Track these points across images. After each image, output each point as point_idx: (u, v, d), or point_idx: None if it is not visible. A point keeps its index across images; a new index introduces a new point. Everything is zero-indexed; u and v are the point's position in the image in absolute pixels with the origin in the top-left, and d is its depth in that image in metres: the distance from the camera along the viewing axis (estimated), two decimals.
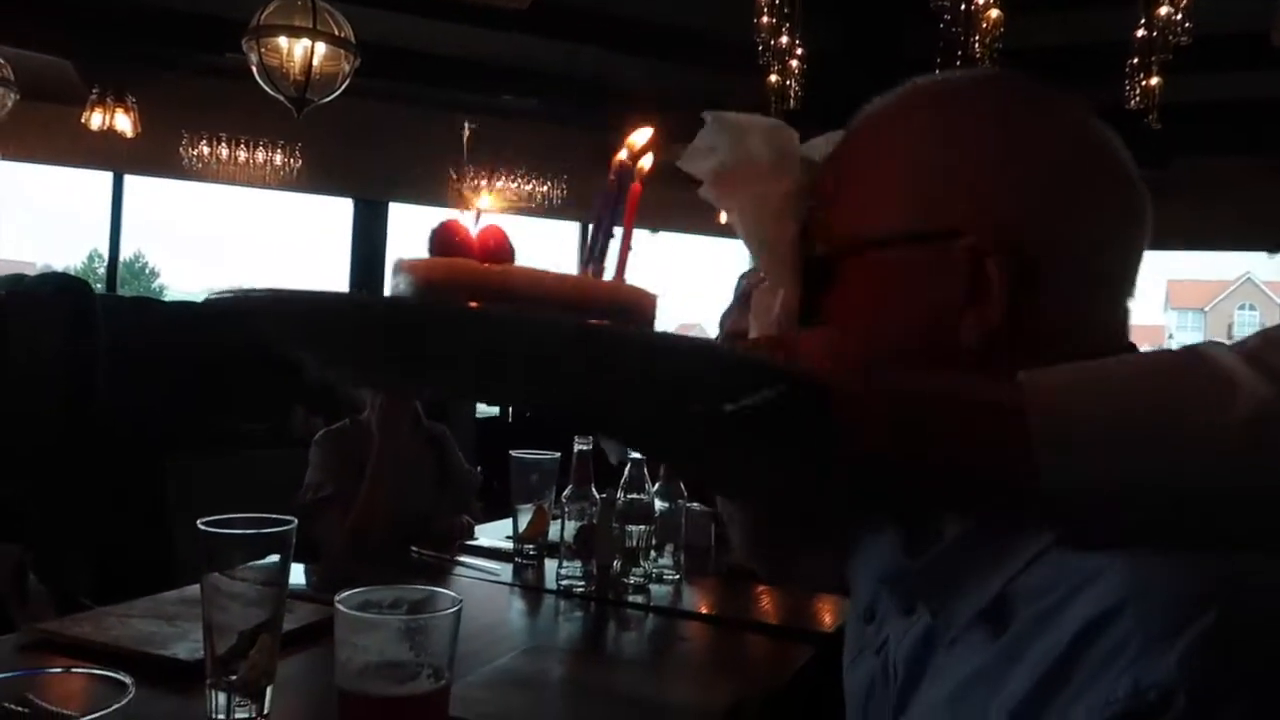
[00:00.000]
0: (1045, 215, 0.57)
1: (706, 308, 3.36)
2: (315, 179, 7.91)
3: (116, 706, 0.47)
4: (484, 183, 8.58)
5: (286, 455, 2.23)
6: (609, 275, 0.51)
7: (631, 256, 0.54)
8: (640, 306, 0.50)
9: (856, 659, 0.69)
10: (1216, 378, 0.43)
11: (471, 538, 1.88)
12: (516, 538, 1.70)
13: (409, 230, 9.27)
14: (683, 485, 1.64)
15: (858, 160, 0.63)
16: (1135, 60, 4.40)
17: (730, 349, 0.50)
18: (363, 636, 0.72)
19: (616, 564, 1.55)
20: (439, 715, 0.73)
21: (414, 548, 1.76)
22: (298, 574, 1.51)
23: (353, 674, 0.71)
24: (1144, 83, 4.66)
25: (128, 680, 0.49)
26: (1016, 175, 0.58)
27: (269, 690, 0.91)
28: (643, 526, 1.55)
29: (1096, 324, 0.59)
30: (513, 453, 1.71)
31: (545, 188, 8.84)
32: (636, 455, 1.57)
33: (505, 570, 1.65)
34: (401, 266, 0.48)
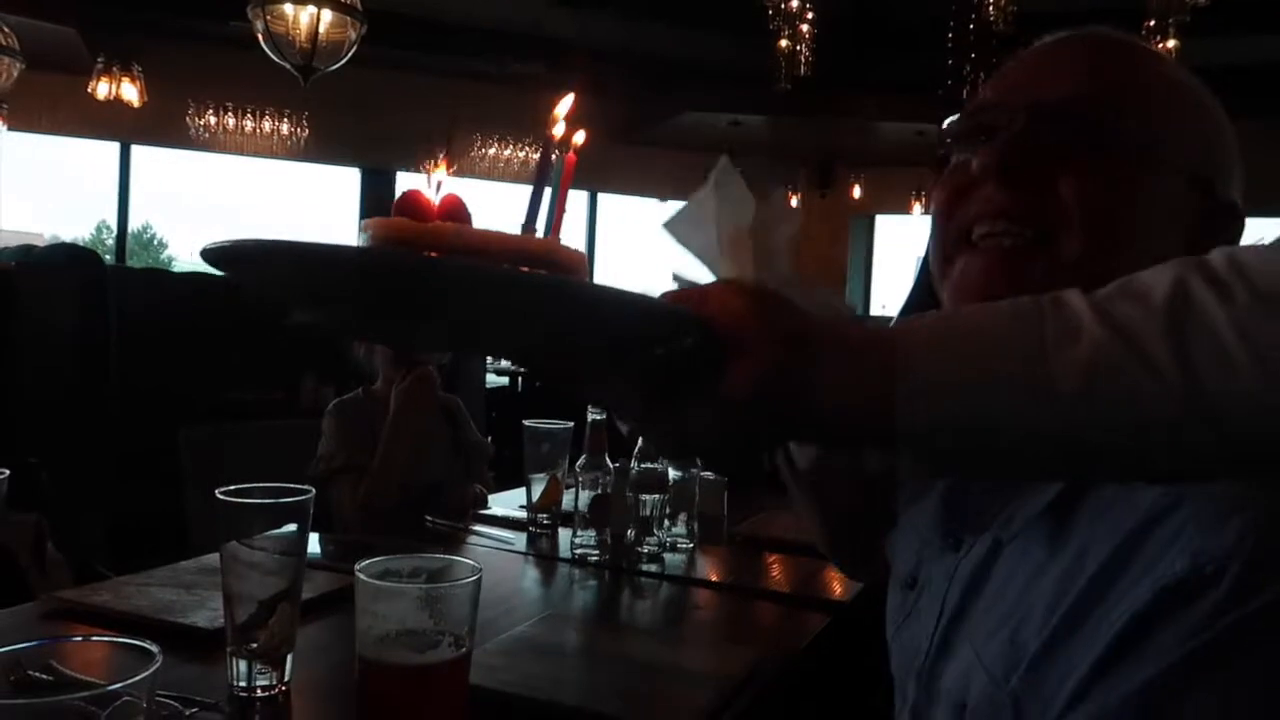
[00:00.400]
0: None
1: (647, 270, 3.36)
2: (322, 148, 7.88)
3: (145, 674, 0.47)
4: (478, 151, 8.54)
5: (297, 425, 2.24)
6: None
7: (565, 219, 0.59)
8: (573, 263, 0.55)
9: (903, 624, 0.74)
10: (1065, 326, 0.45)
11: (485, 507, 1.89)
12: (530, 507, 1.71)
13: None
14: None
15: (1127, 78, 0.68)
16: (1152, 22, 4.34)
17: (651, 299, 0.51)
18: (383, 605, 0.72)
19: (630, 533, 1.56)
20: (459, 683, 0.73)
21: (428, 517, 1.77)
22: (313, 543, 1.52)
23: (373, 642, 0.71)
24: (1161, 45, 4.59)
25: (154, 649, 0.49)
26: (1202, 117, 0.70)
27: (289, 658, 0.92)
28: (656, 495, 1.55)
29: None
30: (526, 422, 1.71)
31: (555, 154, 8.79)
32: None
33: (519, 539, 1.66)
34: (365, 226, 0.54)
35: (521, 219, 0.57)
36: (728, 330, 0.49)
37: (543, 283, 0.49)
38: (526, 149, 8.69)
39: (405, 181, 8.62)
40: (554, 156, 0.60)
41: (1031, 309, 0.47)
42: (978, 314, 0.49)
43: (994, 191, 0.66)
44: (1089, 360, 0.44)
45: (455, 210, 0.57)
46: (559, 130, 0.61)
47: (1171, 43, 4.38)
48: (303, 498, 0.93)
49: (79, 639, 0.51)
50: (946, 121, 0.74)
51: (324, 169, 8.60)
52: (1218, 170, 0.68)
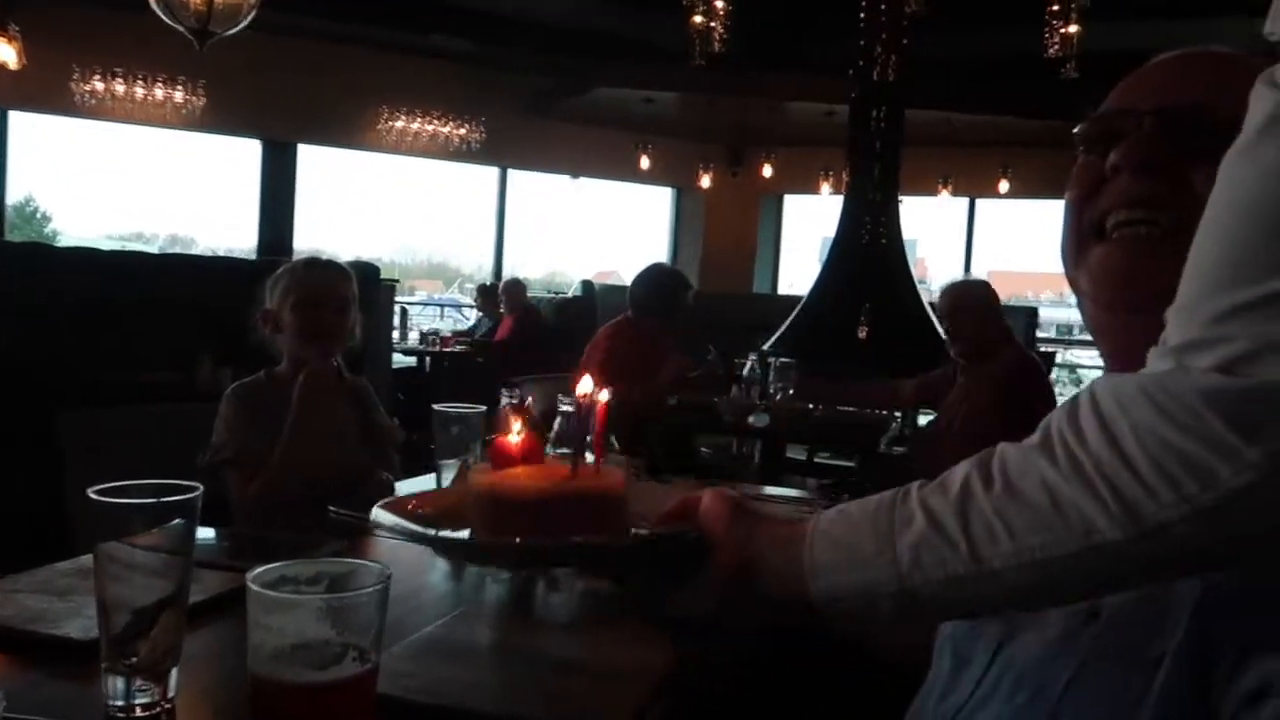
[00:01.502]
0: None
1: (626, 253, 3.34)
2: (220, 119, 7.53)
3: None
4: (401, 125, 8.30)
5: (192, 410, 2.11)
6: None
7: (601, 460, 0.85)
8: (616, 490, 0.82)
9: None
10: (904, 515, 0.63)
11: (392, 495, 1.80)
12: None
13: (320, 174, 8.94)
14: (614, 438, 1.59)
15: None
16: (1055, 6, 4.44)
17: (658, 539, 0.78)
18: (278, 618, 0.65)
19: None
20: (365, 699, 0.67)
21: (331, 508, 1.68)
22: (207, 538, 1.42)
23: (266, 659, 0.65)
24: (1063, 30, 4.71)
25: None
26: None
27: (174, 671, 0.84)
28: None
29: None
30: (436, 406, 1.63)
31: (462, 131, 8.60)
32: (567, 408, 1.52)
33: (429, 530, 1.59)
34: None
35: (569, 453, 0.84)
36: (712, 534, 0.74)
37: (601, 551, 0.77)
38: (435, 123, 8.47)
39: (308, 155, 8.31)
40: (583, 412, 0.85)
41: (889, 502, 0.65)
42: (855, 509, 0.68)
43: (1129, 183, 0.74)
44: (915, 541, 0.62)
45: (531, 453, 0.85)
46: (585, 389, 0.85)
47: (1073, 28, 4.49)
48: (188, 496, 0.84)
49: None
50: (1076, 127, 0.82)
51: (222, 140, 8.22)
52: None
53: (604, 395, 1.54)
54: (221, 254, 7.06)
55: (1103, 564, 0.56)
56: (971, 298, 3.17)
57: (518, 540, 0.77)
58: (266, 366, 1.97)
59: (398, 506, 0.90)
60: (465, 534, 0.83)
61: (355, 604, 0.67)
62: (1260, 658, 0.57)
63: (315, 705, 0.64)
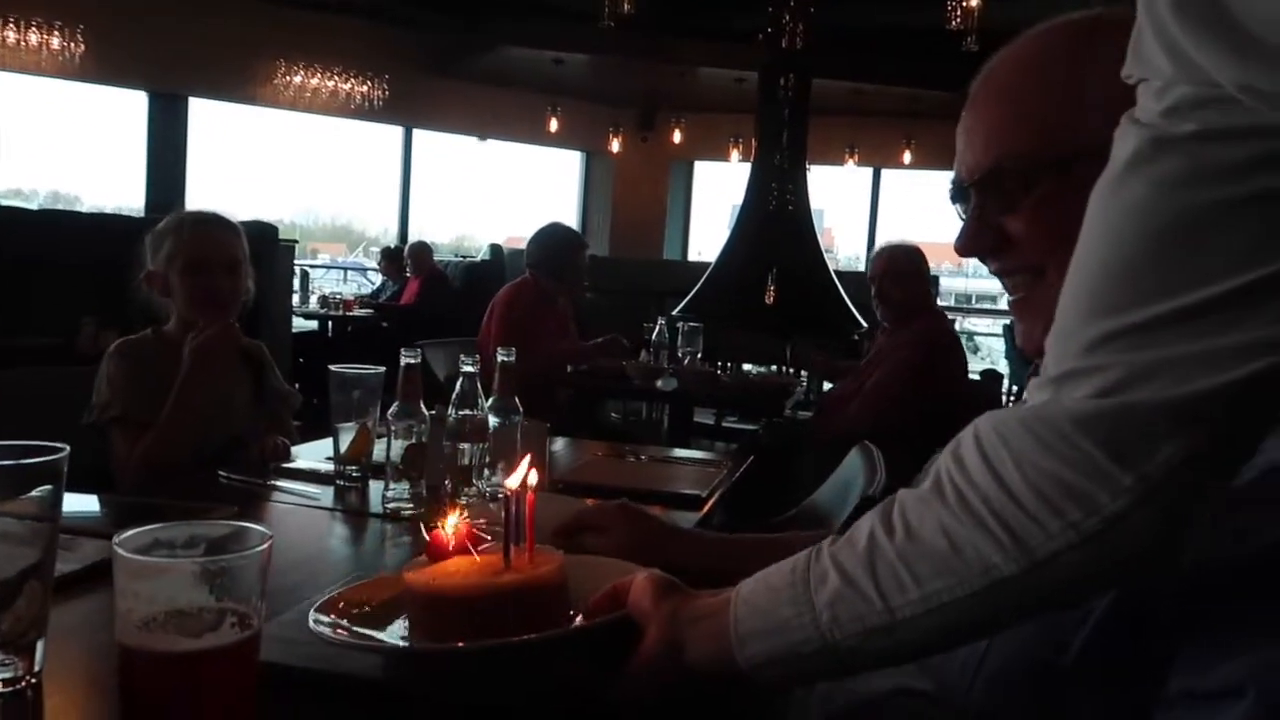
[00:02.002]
0: None
1: (535, 218, 3.33)
2: (102, 68, 7.12)
3: None
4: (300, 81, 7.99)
5: (74, 373, 2.00)
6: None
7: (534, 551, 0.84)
8: (554, 580, 0.82)
9: None
10: (819, 574, 0.66)
11: (288, 460, 1.74)
12: (337, 459, 1.58)
13: (214, 130, 8.54)
14: (517, 399, 1.56)
15: (1033, 91, 0.75)
16: None
17: (594, 627, 0.79)
18: (148, 583, 0.61)
19: (448, 484, 1.47)
20: (245, 668, 0.64)
21: (221, 472, 1.61)
22: (89, 505, 1.35)
23: (135, 627, 0.61)
24: (964, 3, 4.80)
25: None
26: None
27: (40, 644, 0.78)
28: (476, 444, 1.46)
29: None
30: (332, 367, 1.57)
31: (365, 88, 8.33)
32: (469, 368, 1.49)
33: (325, 494, 1.54)
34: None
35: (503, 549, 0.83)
36: (643, 615, 0.75)
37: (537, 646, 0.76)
38: (335, 79, 8.17)
39: (200, 109, 7.93)
40: (514, 505, 0.83)
41: (804, 564, 0.67)
42: (774, 573, 0.69)
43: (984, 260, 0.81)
44: (832, 599, 0.64)
45: (468, 544, 0.85)
46: (516, 482, 0.84)
47: (974, 1, 4.58)
48: (54, 458, 0.79)
49: None
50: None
51: (105, 92, 7.77)
52: (1090, 113, 0.71)
53: (505, 356, 1.55)
54: (108, 212, 6.71)
55: (1006, 597, 0.59)
56: (904, 262, 3.23)
57: (460, 644, 0.78)
58: (153, 326, 1.87)
59: (332, 608, 0.87)
60: (403, 643, 0.84)
61: (234, 567, 0.64)
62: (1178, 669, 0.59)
63: (190, 675, 0.61)
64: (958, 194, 0.79)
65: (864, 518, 0.67)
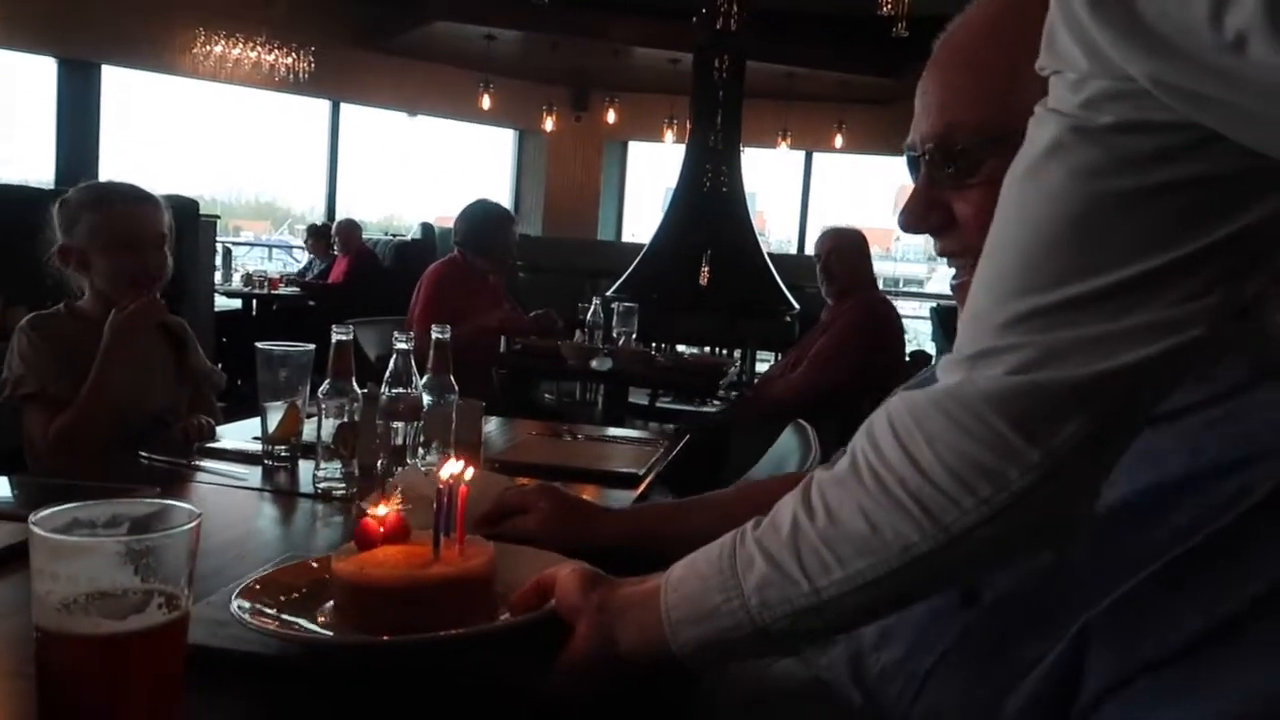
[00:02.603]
0: None
1: (467, 196, 3.31)
2: (8, 32, 6.78)
3: None
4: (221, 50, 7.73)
5: None
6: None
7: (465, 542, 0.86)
8: (484, 572, 0.83)
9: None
10: (745, 558, 0.67)
11: (212, 439, 1.69)
12: (266, 438, 1.54)
13: (131, 101, 8.21)
14: (452, 378, 1.53)
15: (991, 61, 0.72)
16: None
17: (519, 623, 0.80)
18: (68, 564, 0.58)
19: (381, 463, 1.44)
20: (174, 650, 0.61)
21: (142, 453, 1.55)
22: (0, 486, 1.29)
23: (54, 610, 0.58)
24: None
25: None
26: None
27: None
28: (410, 423, 1.43)
29: None
30: (260, 345, 1.53)
31: (290, 60, 8.10)
32: (402, 345, 1.45)
33: (253, 474, 1.49)
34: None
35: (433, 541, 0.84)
36: (571, 610, 0.76)
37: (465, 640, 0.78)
38: (259, 49, 7.92)
39: (112, 77, 7.61)
40: (446, 498, 0.83)
41: (730, 549, 0.69)
42: (701, 560, 0.71)
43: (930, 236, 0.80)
44: (760, 583, 0.66)
45: (396, 532, 0.86)
46: (448, 473, 0.85)
47: None
48: None
49: None
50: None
51: (11, 57, 7.40)
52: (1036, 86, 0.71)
53: (440, 334, 1.52)
54: (15, 184, 6.41)
55: (926, 571, 0.61)
56: (848, 242, 3.46)
57: (385, 639, 0.78)
58: (66, 300, 1.79)
59: (254, 593, 0.86)
60: (328, 633, 0.83)
61: (160, 546, 0.61)
62: (1124, 701, 0.58)
63: (114, 658, 0.58)
64: (910, 164, 0.77)
65: (785, 500, 0.68)
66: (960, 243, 0.76)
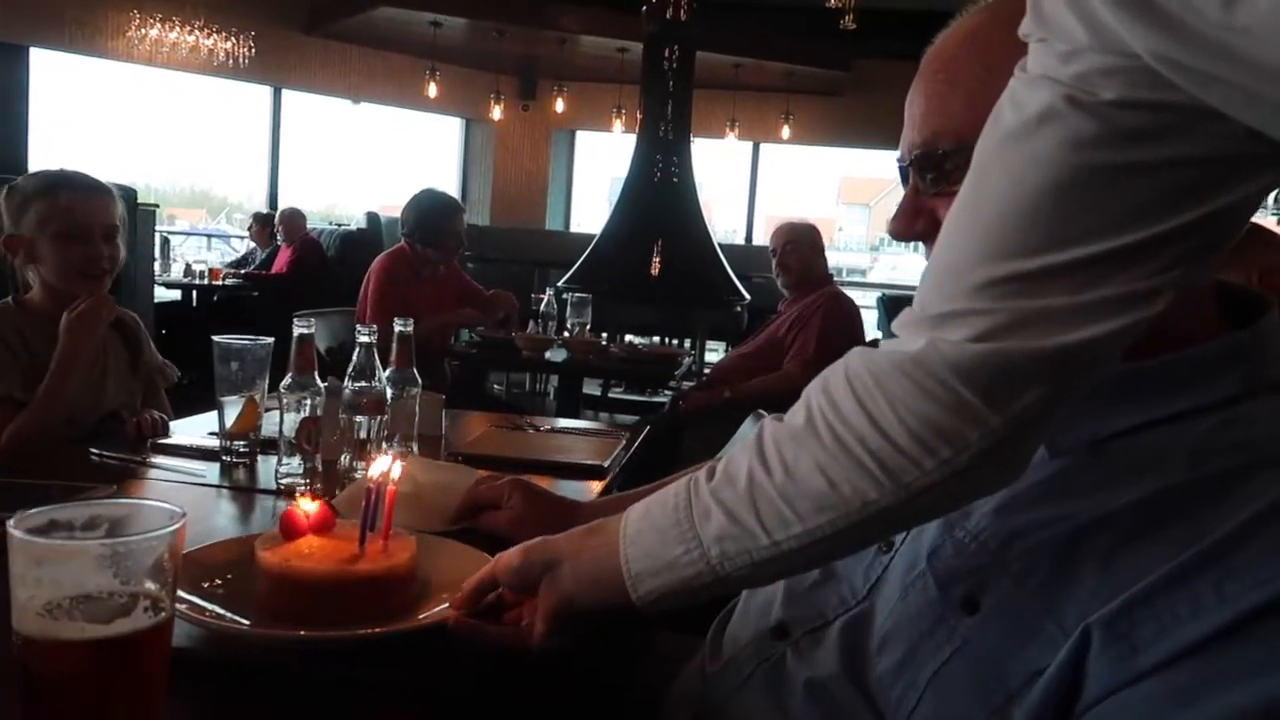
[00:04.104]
0: None
1: (413, 185, 3.27)
2: None
3: None
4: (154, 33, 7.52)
5: None
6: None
7: (388, 539, 0.90)
8: (405, 569, 0.88)
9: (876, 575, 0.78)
10: (701, 509, 0.69)
11: (166, 435, 1.65)
12: (223, 434, 1.51)
13: (61, 85, 7.94)
14: (415, 372, 1.52)
15: (970, 69, 0.71)
16: None
17: (431, 623, 0.84)
18: (50, 568, 0.56)
19: (344, 458, 1.42)
20: (159, 653, 0.60)
21: (93, 449, 1.51)
22: None
23: (36, 615, 0.56)
24: None
25: None
26: None
27: None
28: (373, 417, 1.42)
29: None
30: (216, 339, 1.50)
31: (229, 45, 7.91)
32: (365, 339, 1.44)
33: (211, 470, 1.47)
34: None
35: (358, 535, 0.88)
36: (518, 585, 0.82)
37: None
38: (196, 34, 7.72)
39: (40, 60, 7.36)
40: (374, 495, 0.87)
41: (685, 499, 0.70)
42: (655, 510, 0.73)
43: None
44: (719, 535, 0.68)
45: (323, 524, 0.89)
46: (377, 471, 0.89)
47: None
48: None
49: None
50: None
51: None
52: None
53: (403, 326, 1.51)
54: None
55: (883, 524, 0.64)
56: (802, 235, 3.56)
57: (302, 633, 0.81)
58: (14, 294, 1.74)
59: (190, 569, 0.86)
60: (245, 622, 0.83)
61: (145, 548, 0.60)
62: (1127, 704, 0.57)
63: (101, 663, 0.57)
64: (901, 174, 0.77)
65: (738, 451, 0.69)
66: None
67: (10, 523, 0.57)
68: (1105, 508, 0.63)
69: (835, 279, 3.79)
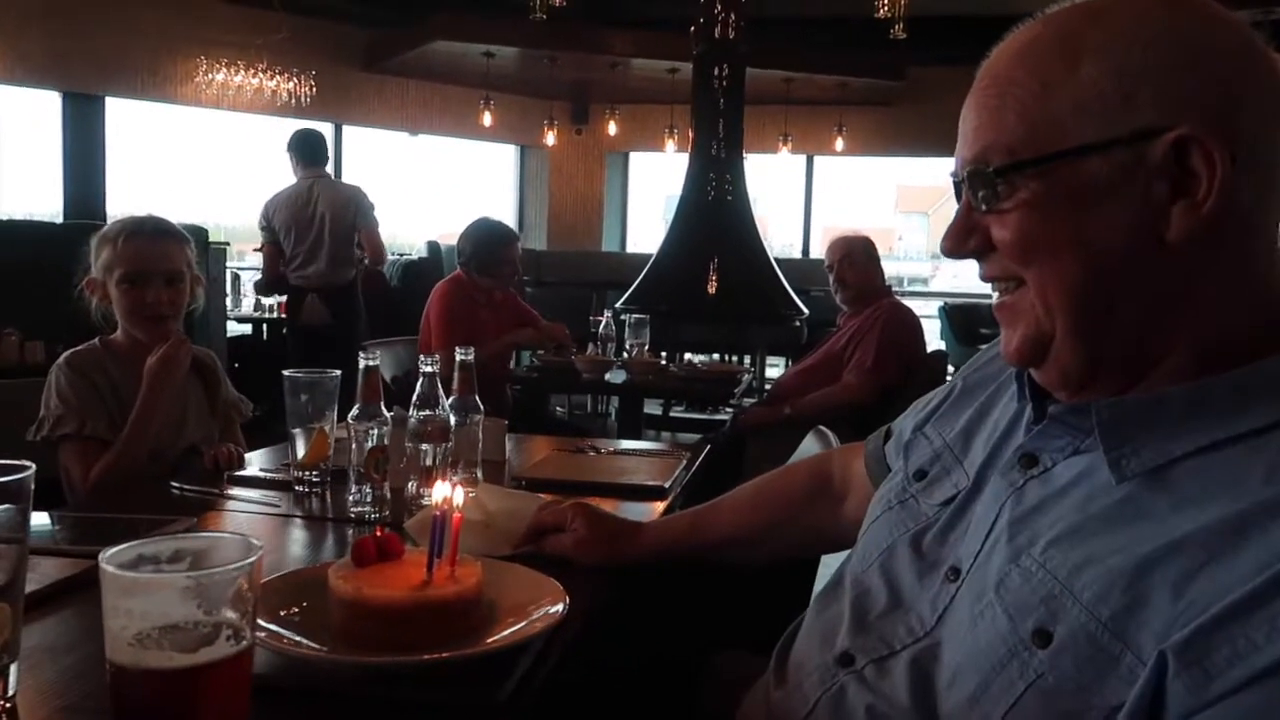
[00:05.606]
0: (1249, 102, 0.65)
1: (471, 213, 3.35)
2: (12, 68, 6.85)
3: None
4: (223, 77, 7.79)
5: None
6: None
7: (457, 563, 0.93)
8: (471, 596, 0.90)
9: (899, 507, 0.86)
10: None
11: (242, 467, 1.71)
12: (295, 465, 1.56)
13: (135, 130, 8.26)
14: (477, 399, 1.55)
15: (1023, 83, 0.70)
16: None
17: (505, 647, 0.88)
18: (139, 600, 0.60)
19: (412, 485, 1.46)
20: (242, 679, 0.63)
21: (174, 483, 1.57)
22: (41, 522, 1.31)
23: (128, 645, 0.59)
24: None
25: None
26: (1210, 68, 0.66)
27: (13, 668, 0.76)
28: (438, 444, 1.45)
29: None
30: (286, 372, 1.55)
31: (291, 85, 8.15)
32: (428, 369, 1.47)
33: (284, 500, 1.51)
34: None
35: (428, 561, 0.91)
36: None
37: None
38: (260, 76, 7.97)
39: (116, 109, 7.67)
40: (440, 522, 0.90)
41: None
42: None
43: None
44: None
45: (393, 552, 0.94)
46: (440, 495, 0.93)
47: None
48: (20, 476, 0.76)
49: None
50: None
51: (15, 93, 7.47)
52: (1088, 121, 0.67)
53: (464, 355, 1.54)
54: (24, 219, 6.45)
55: None
56: (858, 248, 3.52)
57: (373, 658, 0.83)
58: (100, 335, 1.82)
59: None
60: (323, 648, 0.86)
61: (224, 580, 0.62)
62: None
63: (187, 690, 0.60)
64: (955, 190, 0.75)
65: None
66: (997, 267, 0.73)
67: (102, 557, 0.61)
68: (1177, 532, 0.60)
69: (896, 289, 3.75)
